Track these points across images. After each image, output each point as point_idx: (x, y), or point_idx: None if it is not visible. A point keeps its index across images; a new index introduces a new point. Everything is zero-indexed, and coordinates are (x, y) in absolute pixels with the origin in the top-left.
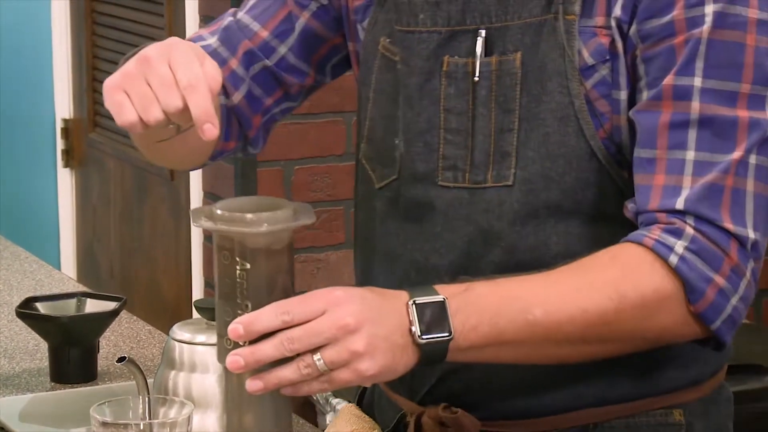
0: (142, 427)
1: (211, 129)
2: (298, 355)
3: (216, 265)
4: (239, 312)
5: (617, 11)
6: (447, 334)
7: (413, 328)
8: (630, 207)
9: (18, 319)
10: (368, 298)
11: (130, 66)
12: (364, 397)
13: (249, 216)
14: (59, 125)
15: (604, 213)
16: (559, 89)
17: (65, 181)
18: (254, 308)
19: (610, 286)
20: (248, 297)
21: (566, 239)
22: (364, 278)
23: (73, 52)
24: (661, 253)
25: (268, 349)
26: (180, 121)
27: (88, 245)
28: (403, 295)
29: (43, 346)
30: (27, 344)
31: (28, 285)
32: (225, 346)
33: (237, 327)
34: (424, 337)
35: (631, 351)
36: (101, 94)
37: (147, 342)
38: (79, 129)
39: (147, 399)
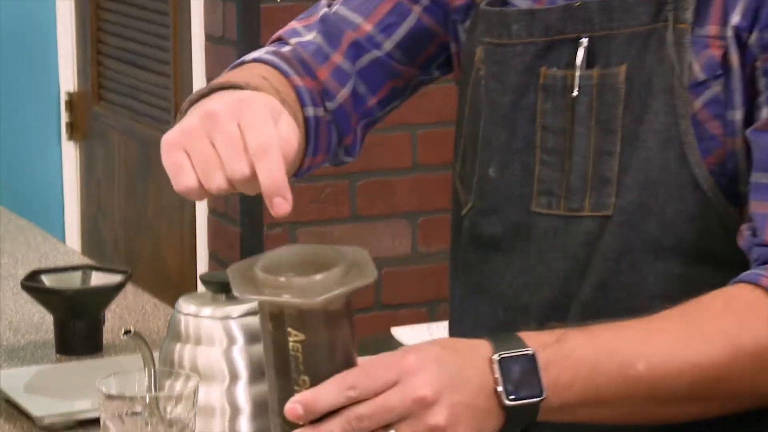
0: (147, 400)
1: (281, 204)
2: None
3: (263, 335)
4: (296, 388)
5: (735, 18)
6: (538, 394)
7: (499, 389)
8: (746, 236)
9: (23, 292)
10: (445, 359)
11: (193, 121)
12: None
13: (299, 281)
14: (63, 98)
15: (709, 253)
16: (664, 108)
17: (70, 154)
18: (313, 383)
19: (724, 336)
20: (305, 371)
21: (665, 280)
22: (452, 312)
23: (77, 24)
24: None
25: (334, 430)
26: (246, 190)
27: (92, 218)
28: (484, 348)
29: (49, 318)
30: (32, 317)
31: (33, 258)
32: (282, 426)
33: (296, 407)
34: (511, 398)
35: (742, 410)
36: (105, 66)
37: (152, 315)
38: (84, 102)
39: (153, 372)
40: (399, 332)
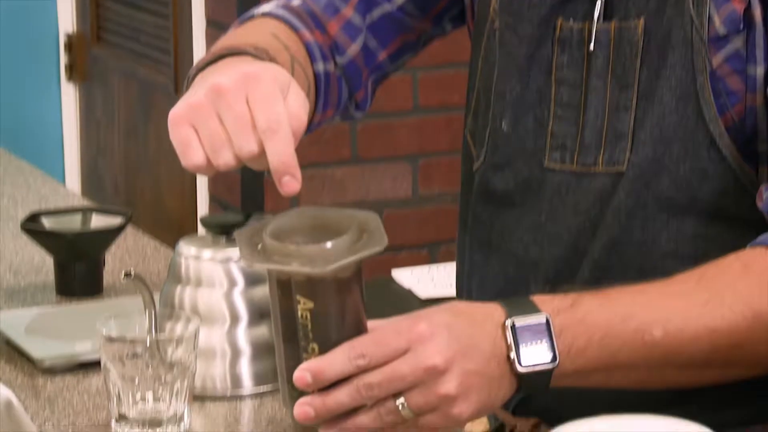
0: (148, 342)
1: (290, 182)
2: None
3: (271, 302)
4: (304, 356)
5: None
6: (551, 362)
7: (511, 355)
8: (765, 197)
9: (23, 234)
10: (456, 327)
11: (200, 95)
12: None
13: (309, 249)
14: (62, 40)
15: (724, 212)
16: (681, 63)
17: (69, 95)
18: (322, 351)
19: (742, 301)
20: (314, 339)
21: (678, 238)
22: (461, 268)
23: None
24: None
25: (342, 398)
26: (254, 166)
27: (92, 160)
28: (497, 313)
29: (49, 260)
30: (32, 258)
31: (32, 200)
32: (291, 392)
33: (304, 375)
34: (524, 365)
35: (762, 375)
36: (105, 7)
37: (153, 257)
38: (83, 43)
39: (153, 314)
40: (399, 274)
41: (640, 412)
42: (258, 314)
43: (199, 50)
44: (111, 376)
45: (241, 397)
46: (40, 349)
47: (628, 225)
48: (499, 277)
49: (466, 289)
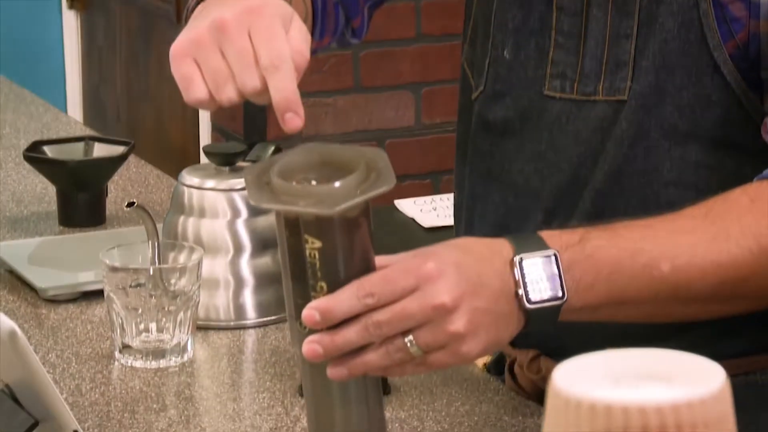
0: (151, 272)
1: (293, 119)
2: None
3: (279, 241)
4: (313, 294)
5: None
6: (559, 297)
7: (519, 292)
8: (765, 135)
9: (25, 163)
10: (464, 264)
11: (201, 30)
12: None
13: (316, 189)
14: None
15: (727, 140)
16: None
17: (70, 23)
18: (330, 289)
19: (750, 236)
20: (322, 278)
21: (681, 167)
22: (460, 200)
23: None
24: None
25: (351, 336)
26: (257, 101)
27: (94, 88)
28: (505, 250)
29: (51, 189)
30: (35, 188)
31: (34, 128)
32: (299, 330)
33: (312, 313)
34: (532, 301)
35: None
36: None
37: (155, 187)
38: None
39: (156, 244)
40: (402, 204)
41: (639, 342)
42: (261, 244)
43: None
44: (114, 306)
45: (244, 328)
46: (43, 278)
47: (630, 154)
48: (499, 207)
49: (466, 220)
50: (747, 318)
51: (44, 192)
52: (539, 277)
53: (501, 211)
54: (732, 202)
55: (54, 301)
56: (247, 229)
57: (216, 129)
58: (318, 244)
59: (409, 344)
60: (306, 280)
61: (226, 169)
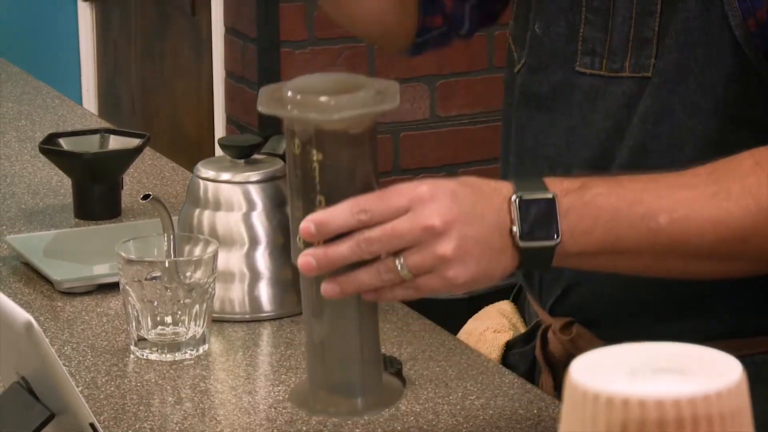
0: (167, 265)
1: None
2: (380, 257)
3: (287, 155)
4: (312, 208)
5: None
6: (553, 239)
7: (514, 229)
8: None
9: (41, 155)
10: (461, 193)
11: None
12: (519, 293)
13: (323, 99)
14: None
15: (748, 117)
16: None
17: (85, 15)
18: (329, 204)
19: (750, 196)
20: (322, 191)
21: (704, 143)
22: (503, 170)
23: None
24: None
25: (343, 251)
26: None
27: (109, 80)
28: (506, 189)
29: (67, 182)
30: (50, 180)
31: (50, 120)
32: (298, 245)
33: (309, 225)
34: (525, 240)
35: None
36: None
37: (171, 179)
38: None
39: (172, 236)
40: None
41: (666, 318)
42: (277, 237)
43: None
44: (130, 298)
45: (259, 321)
46: (58, 271)
47: (654, 130)
48: None
49: None
50: (765, 297)
51: (60, 184)
52: (535, 218)
53: None
54: (737, 163)
55: (70, 293)
56: (262, 222)
57: (231, 122)
58: (320, 156)
59: (399, 266)
60: (307, 195)
61: (242, 161)
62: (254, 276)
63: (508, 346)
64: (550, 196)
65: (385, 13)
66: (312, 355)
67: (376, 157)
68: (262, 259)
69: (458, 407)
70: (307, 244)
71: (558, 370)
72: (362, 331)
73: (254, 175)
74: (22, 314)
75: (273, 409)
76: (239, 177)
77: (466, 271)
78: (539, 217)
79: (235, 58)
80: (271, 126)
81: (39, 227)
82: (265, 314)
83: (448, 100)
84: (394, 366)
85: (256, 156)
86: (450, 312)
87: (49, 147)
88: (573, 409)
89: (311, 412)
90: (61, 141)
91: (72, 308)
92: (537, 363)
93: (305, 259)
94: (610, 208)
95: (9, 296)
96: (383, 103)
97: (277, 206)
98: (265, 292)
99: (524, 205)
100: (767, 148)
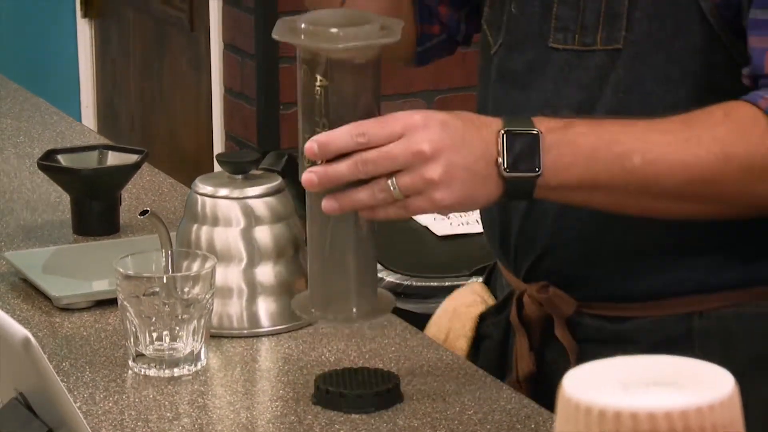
0: (165, 280)
1: None
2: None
3: (298, 81)
4: (317, 130)
5: None
6: (535, 172)
7: (499, 159)
8: (745, 72)
9: (40, 171)
10: (451, 124)
11: None
12: (491, 275)
13: (330, 30)
14: None
15: (715, 85)
16: None
17: (84, 31)
18: (332, 127)
19: (717, 143)
20: (326, 115)
21: (673, 111)
22: None
23: None
24: None
25: (341, 168)
26: None
27: (108, 97)
28: (495, 123)
29: (65, 198)
30: (49, 196)
31: (49, 137)
32: (304, 165)
33: (312, 145)
34: (509, 170)
35: (735, 217)
36: None
37: (169, 195)
38: None
39: (170, 252)
40: None
41: (638, 274)
42: (275, 253)
43: None
44: (128, 314)
45: (257, 336)
46: (57, 287)
47: (626, 99)
48: None
49: None
50: (735, 251)
51: (58, 200)
52: (520, 151)
53: None
54: (709, 113)
55: (68, 309)
56: (260, 237)
57: (229, 137)
58: (325, 82)
59: (391, 186)
60: (313, 117)
61: (240, 177)
62: (252, 291)
63: (481, 318)
64: (535, 131)
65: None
66: (313, 267)
67: (378, 88)
68: (260, 274)
69: (456, 422)
70: (312, 165)
71: (533, 331)
72: (358, 247)
73: (252, 191)
74: (20, 330)
75: (271, 425)
76: (237, 192)
77: (451, 194)
78: (524, 150)
79: (234, 74)
80: (270, 142)
81: (37, 243)
82: (263, 329)
83: None
84: (391, 381)
85: (254, 171)
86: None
87: (48, 163)
88: (566, 422)
89: (311, 318)
90: (60, 157)
91: (70, 324)
92: (511, 329)
93: (308, 175)
94: (589, 147)
95: (7, 312)
96: (386, 37)
97: (275, 221)
98: (263, 307)
99: (510, 138)
100: (737, 102)
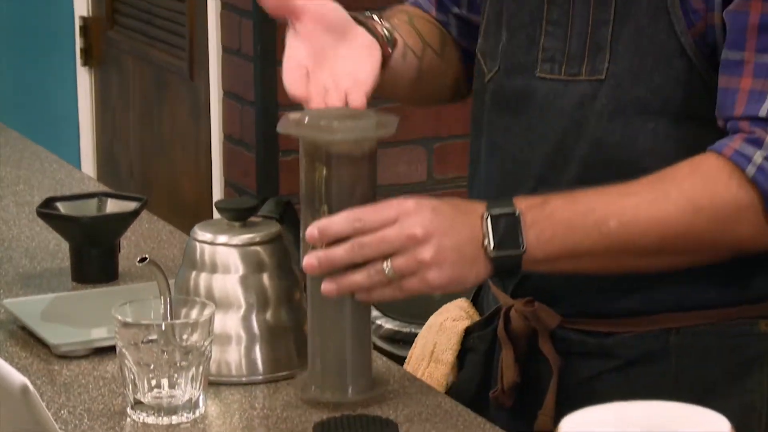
0: (164, 328)
1: None
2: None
3: (300, 170)
4: (317, 216)
5: None
6: (520, 248)
7: (485, 242)
8: (716, 114)
9: (39, 219)
10: (441, 209)
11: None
12: (478, 293)
13: (330, 124)
14: (78, 23)
15: (693, 113)
16: None
17: (84, 80)
18: (331, 214)
19: (685, 197)
20: (326, 202)
21: (654, 138)
22: (473, 170)
23: None
24: (739, 163)
25: (339, 253)
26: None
27: (107, 145)
28: (479, 208)
29: (65, 246)
30: (48, 244)
31: (48, 184)
32: (305, 249)
33: (313, 230)
34: (495, 250)
35: (713, 261)
36: None
37: (168, 242)
38: (98, 27)
39: (168, 299)
40: None
41: (618, 292)
42: (273, 300)
43: (214, 34)
44: (126, 361)
45: (256, 383)
46: (55, 334)
47: (609, 126)
48: (498, 172)
49: (475, 186)
50: (712, 272)
51: (57, 248)
52: (504, 231)
53: (499, 177)
54: (677, 170)
55: (66, 357)
56: (259, 284)
57: (228, 184)
58: (325, 171)
59: (386, 268)
60: (314, 204)
61: (238, 224)
62: (251, 338)
63: (467, 332)
64: (515, 211)
65: (443, 88)
66: (312, 347)
67: (375, 177)
68: (259, 321)
69: None
70: (314, 249)
71: (519, 344)
72: (355, 329)
73: (251, 238)
74: (18, 377)
75: None
76: (236, 239)
77: (442, 274)
78: (507, 231)
79: (233, 122)
80: (269, 189)
81: (36, 291)
82: (261, 377)
83: (446, 162)
84: (390, 428)
85: (253, 218)
86: None
87: (47, 211)
88: None
89: (310, 397)
90: (59, 205)
91: (69, 372)
92: (497, 342)
93: (309, 259)
94: (567, 219)
95: (6, 360)
96: (381, 131)
97: (273, 268)
98: (261, 354)
99: (494, 220)
100: (703, 155)
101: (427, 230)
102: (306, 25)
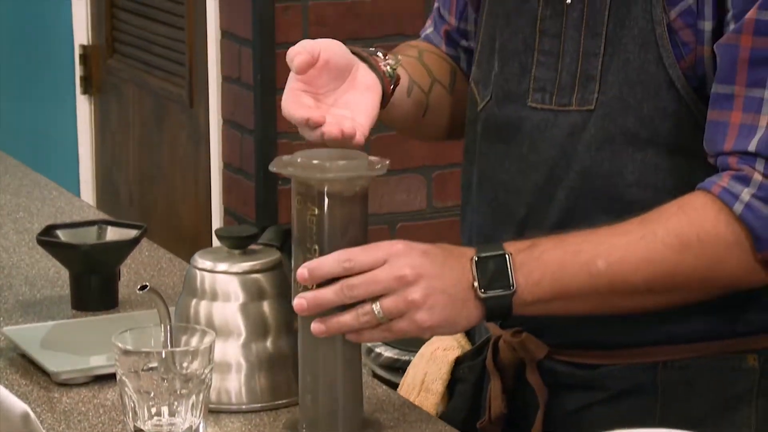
0: (164, 355)
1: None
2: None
3: (291, 211)
4: (308, 256)
5: None
6: (509, 288)
7: (475, 284)
8: (705, 148)
9: (39, 247)
10: (431, 252)
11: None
12: None
13: (319, 163)
14: (78, 51)
15: (682, 145)
16: (642, 14)
17: (84, 108)
18: (322, 254)
19: (673, 235)
20: (316, 242)
21: (642, 168)
22: (465, 198)
23: None
24: (726, 201)
25: (328, 294)
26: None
27: (107, 172)
28: (469, 252)
29: (64, 273)
30: (48, 272)
31: (48, 212)
32: (296, 289)
33: (303, 271)
34: (484, 291)
35: (703, 299)
36: (119, 19)
37: (168, 270)
38: (98, 55)
39: (169, 327)
40: None
41: (608, 324)
42: (273, 328)
43: (213, 61)
44: (126, 389)
45: (256, 411)
46: (55, 362)
47: (598, 156)
48: (490, 201)
49: (467, 217)
50: (702, 307)
51: (57, 276)
52: (492, 272)
53: (490, 206)
54: (664, 209)
55: (66, 384)
56: (259, 312)
57: (228, 213)
58: (316, 211)
59: (375, 309)
60: (305, 244)
61: (238, 252)
62: (250, 366)
63: (457, 362)
64: (503, 253)
65: (453, 122)
66: (303, 387)
67: (365, 218)
68: (259, 349)
69: None
70: (304, 289)
71: (507, 375)
72: (345, 369)
73: (251, 266)
74: (18, 405)
75: None
76: (236, 267)
77: (432, 316)
78: (496, 271)
79: (233, 150)
80: (268, 217)
81: (36, 318)
82: (261, 404)
83: (445, 191)
84: None
85: (252, 246)
86: None
87: (47, 238)
88: None
89: None
90: (59, 232)
91: (69, 399)
92: (486, 373)
93: (299, 300)
94: (555, 261)
95: (6, 387)
96: (370, 172)
97: (273, 297)
98: (261, 382)
99: (482, 263)
100: (691, 193)
101: (416, 272)
102: (311, 72)
